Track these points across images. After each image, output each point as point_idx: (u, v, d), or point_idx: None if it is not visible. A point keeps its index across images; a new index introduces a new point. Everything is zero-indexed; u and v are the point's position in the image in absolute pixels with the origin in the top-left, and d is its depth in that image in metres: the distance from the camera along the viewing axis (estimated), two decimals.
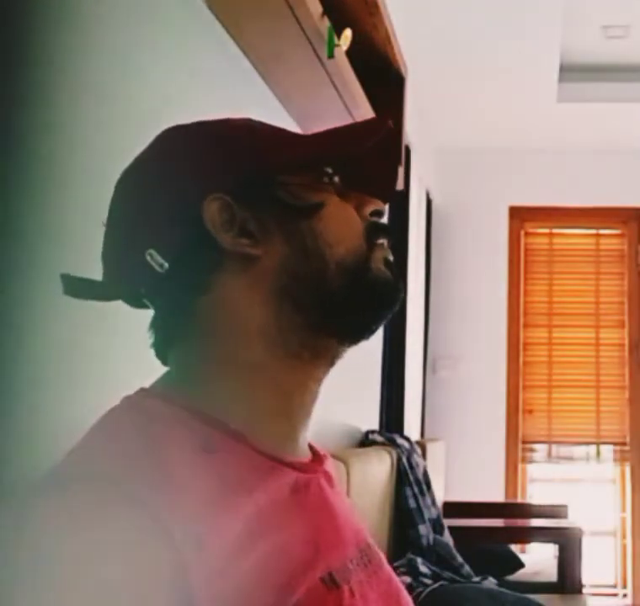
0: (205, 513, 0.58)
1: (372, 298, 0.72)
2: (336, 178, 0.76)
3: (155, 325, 0.74)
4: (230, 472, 0.63)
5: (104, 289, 0.74)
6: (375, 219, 0.77)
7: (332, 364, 0.74)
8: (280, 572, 0.60)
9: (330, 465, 0.77)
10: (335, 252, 0.71)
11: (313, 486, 0.70)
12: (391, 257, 0.75)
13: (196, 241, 0.70)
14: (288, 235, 0.71)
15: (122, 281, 0.73)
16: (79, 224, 1.03)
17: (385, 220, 3.25)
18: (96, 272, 0.76)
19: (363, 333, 0.74)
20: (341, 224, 0.73)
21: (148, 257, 0.69)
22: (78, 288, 0.75)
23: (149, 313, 0.76)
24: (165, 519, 0.56)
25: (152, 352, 0.75)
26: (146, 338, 0.75)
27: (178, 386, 0.69)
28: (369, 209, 0.76)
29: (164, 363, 0.74)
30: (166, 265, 0.69)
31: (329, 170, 0.75)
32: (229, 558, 0.57)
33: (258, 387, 0.70)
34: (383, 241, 0.75)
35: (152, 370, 0.74)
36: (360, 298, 0.72)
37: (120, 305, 0.78)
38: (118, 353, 1.12)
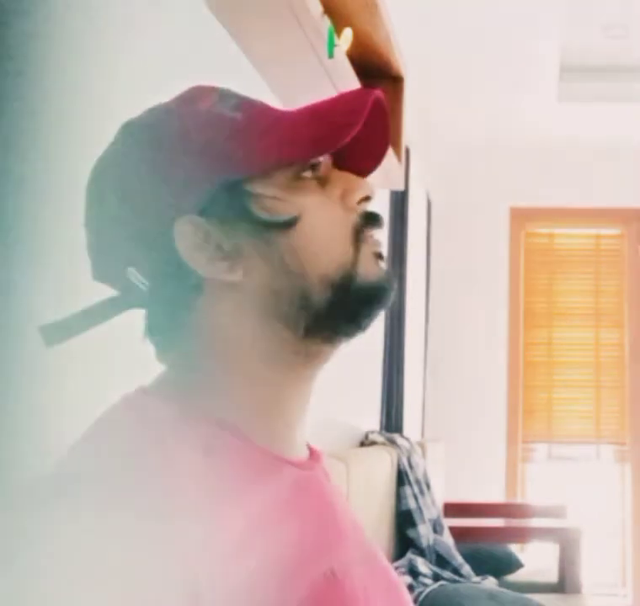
0: (207, 513, 0.58)
1: (360, 303, 0.70)
2: (319, 163, 0.71)
3: (149, 327, 0.73)
4: (232, 470, 0.63)
5: (92, 312, 0.71)
6: (363, 207, 0.72)
7: (325, 362, 0.73)
8: (283, 569, 0.60)
9: (325, 462, 0.77)
10: (317, 267, 0.68)
11: (313, 482, 0.70)
12: (380, 250, 0.71)
13: (172, 266, 0.67)
14: (266, 254, 0.67)
15: (110, 281, 0.72)
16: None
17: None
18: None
19: (354, 333, 0.72)
20: (323, 232, 0.68)
21: (131, 276, 0.69)
22: (60, 330, 0.70)
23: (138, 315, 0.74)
24: (168, 522, 0.56)
25: (142, 352, 0.74)
26: (137, 340, 0.74)
27: (176, 388, 0.69)
28: (356, 197, 0.71)
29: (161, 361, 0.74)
30: (147, 284, 0.69)
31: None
32: (233, 556, 0.57)
33: (255, 392, 0.69)
34: (373, 232, 0.71)
35: (146, 371, 0.74)
36: (348, 306, 0.69)
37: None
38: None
